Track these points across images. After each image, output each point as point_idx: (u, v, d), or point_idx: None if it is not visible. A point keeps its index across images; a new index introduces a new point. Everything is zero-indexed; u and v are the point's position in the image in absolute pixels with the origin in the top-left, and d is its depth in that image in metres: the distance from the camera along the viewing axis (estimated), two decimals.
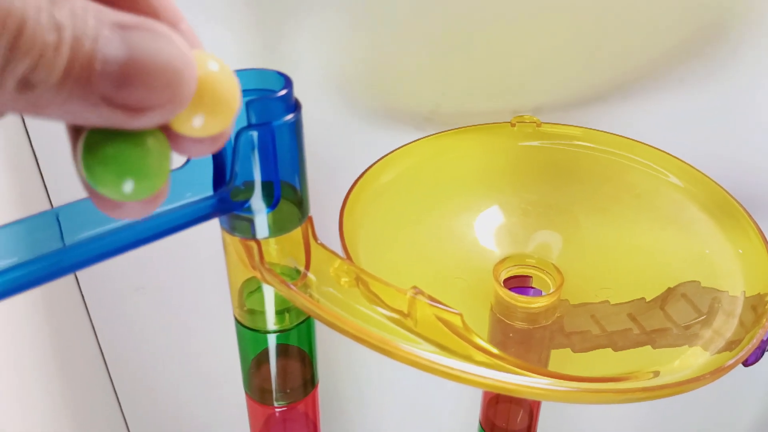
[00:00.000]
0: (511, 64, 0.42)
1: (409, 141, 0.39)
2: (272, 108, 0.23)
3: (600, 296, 0.36)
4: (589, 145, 0.40)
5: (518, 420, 0.41)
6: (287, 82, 0.23)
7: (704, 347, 0.31)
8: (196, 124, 0.16)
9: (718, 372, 0.25)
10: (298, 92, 0.42)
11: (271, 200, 0.24)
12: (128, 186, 0.16)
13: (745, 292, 0.33)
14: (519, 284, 0.38)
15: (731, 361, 0.26)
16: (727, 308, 0.33)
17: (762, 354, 0.35)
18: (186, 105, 0.15)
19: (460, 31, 0.40)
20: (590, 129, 0.41)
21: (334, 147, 0.44)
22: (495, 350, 0.25)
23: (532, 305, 0.34)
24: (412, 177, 0.38)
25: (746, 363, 0.35)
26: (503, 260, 0.37)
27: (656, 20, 0.40)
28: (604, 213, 0.39)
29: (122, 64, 0.14)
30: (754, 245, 0.34)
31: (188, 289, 0.50)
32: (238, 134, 0.22)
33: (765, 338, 0.36)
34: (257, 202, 0.24)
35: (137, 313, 0.51)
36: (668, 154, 0.39)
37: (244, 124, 0.23)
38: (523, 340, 0.36)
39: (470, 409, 0.55)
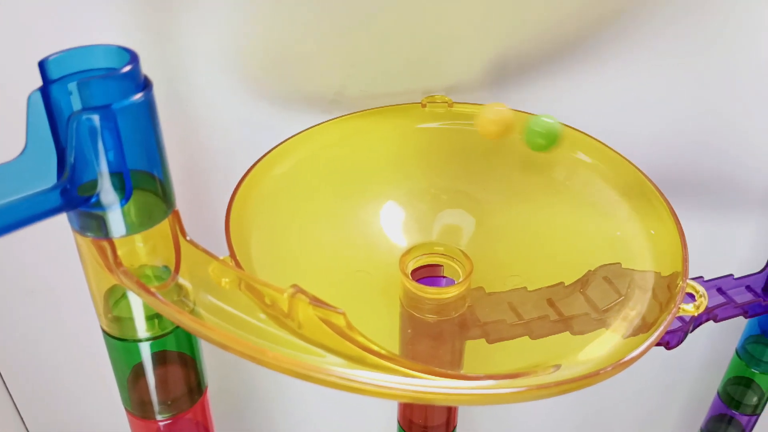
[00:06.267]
0: (421, 41, 0.39)
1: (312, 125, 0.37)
2: (112, 88, 0.20)
3: (513, 283, 0.34)
4: None
5: (435, 415, 0.39)
6: (132, 58, 0.20)
7: (620, 330, 0.30)
8: None
9: (618, 366, 0.23)
10: (194, 76, 0.39)
11: (123, 193, 0.21)
12: None
13: (660, 272, 0.32)
14: (430, 274, 0.36)
15: (636, 352, 0.24)
16: (643, 288, 0.32)
17: (684, 336, 0.34)
18: None
19: (365, 5, 0.38)
20: None
21: (232, 134, 0.41)
22: (382, 350, 0.22)
23: (441, 296, 0.32)
24: (312, 164, 0.36)
25: (669, 346, 0.34)
26: (410, 250, 0.35)
27: None
28: (518, 196, 0.37)
29: None
30: (666, 225, 0.32)
31: (80, 290, 0.46)
32: (68, 120, 0.19)
33: (688, 319, 0.35)
34: (106, 195, 0.21)
35: (29, 317, 0.47)
36: (582, 132, 0.37)
37: (79, 107, 0.20)
38: (434, 333, 0.34)
39: (392, 406, 0.54)
